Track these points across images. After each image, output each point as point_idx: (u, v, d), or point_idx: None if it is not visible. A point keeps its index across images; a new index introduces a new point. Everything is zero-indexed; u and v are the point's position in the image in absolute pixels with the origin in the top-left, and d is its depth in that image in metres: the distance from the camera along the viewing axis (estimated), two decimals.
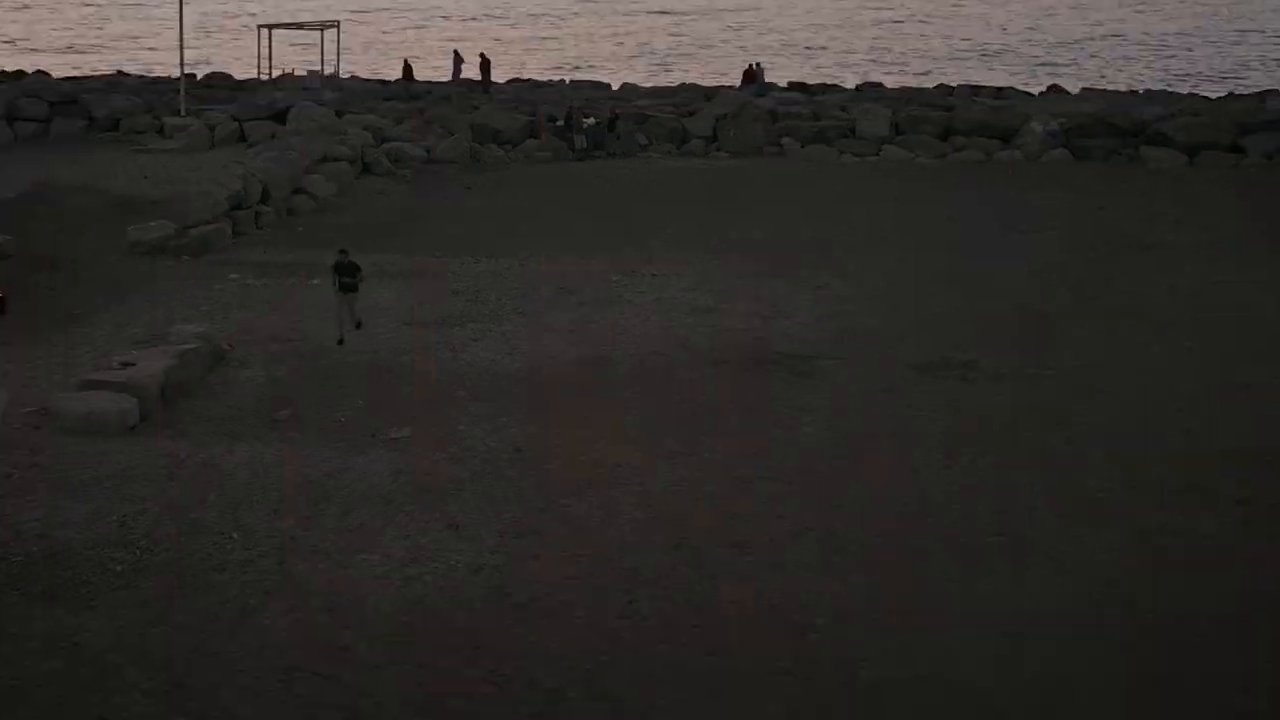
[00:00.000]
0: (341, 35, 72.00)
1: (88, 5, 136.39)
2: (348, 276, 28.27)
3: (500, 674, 15.19)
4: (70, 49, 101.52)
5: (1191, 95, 62.94)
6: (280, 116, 52.82)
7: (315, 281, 31.66)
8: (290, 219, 40.51)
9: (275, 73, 67.52)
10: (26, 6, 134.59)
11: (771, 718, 14.47)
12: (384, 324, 29.18)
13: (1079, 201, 44.61)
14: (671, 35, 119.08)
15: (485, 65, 65.42)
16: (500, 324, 29.52)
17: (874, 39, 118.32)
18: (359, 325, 28.43)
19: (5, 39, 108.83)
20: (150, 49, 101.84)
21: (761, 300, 31.44)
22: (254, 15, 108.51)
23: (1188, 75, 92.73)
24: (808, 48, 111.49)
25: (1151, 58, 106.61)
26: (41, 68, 72.73)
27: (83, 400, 22.40)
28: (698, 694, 14.85)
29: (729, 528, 19.25)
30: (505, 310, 30.56)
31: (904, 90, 63.51)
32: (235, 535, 18.56)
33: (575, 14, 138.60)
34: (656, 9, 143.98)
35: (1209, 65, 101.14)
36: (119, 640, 15.76)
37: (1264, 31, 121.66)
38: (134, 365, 23.87)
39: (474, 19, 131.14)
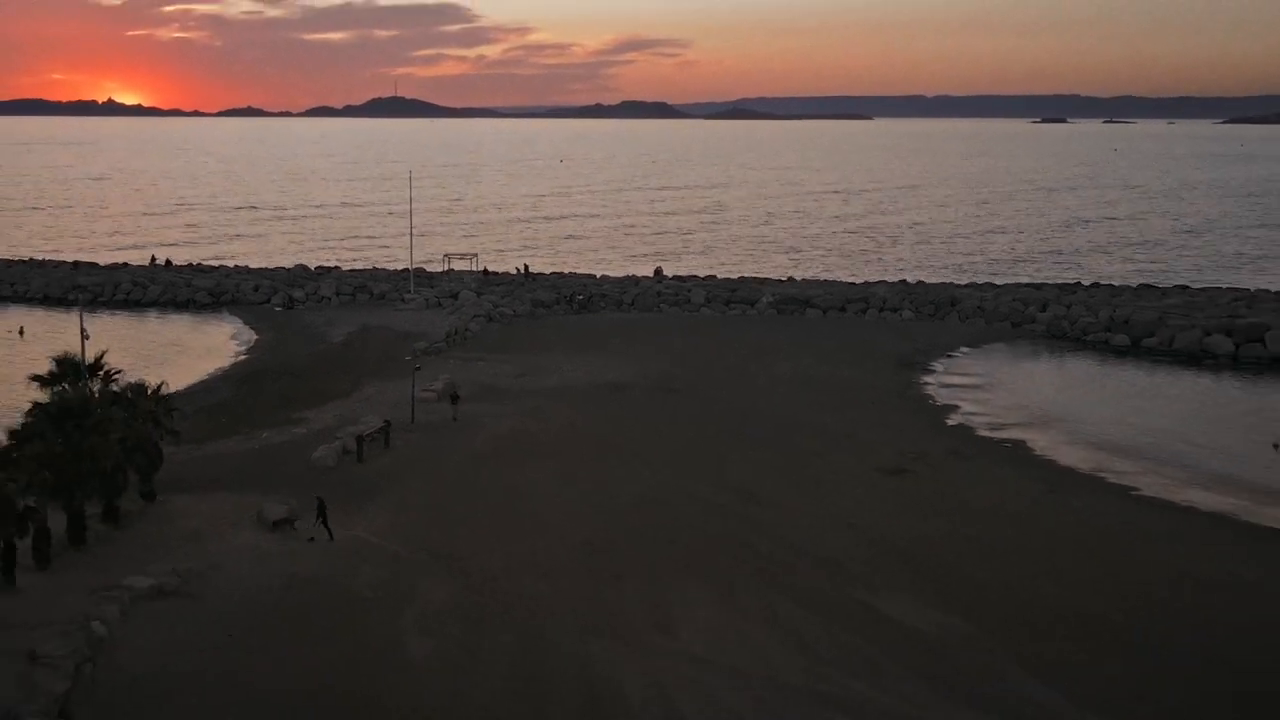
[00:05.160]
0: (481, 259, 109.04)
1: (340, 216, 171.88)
2: (455, 396, 57.00)
3: (535, 430, 52.70)
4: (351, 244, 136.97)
5: (836, 282, 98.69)
6: (455, 295, 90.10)
7: (481, 362, 69.15)
8: (466, 341, 76.61)
9: (447, 265, 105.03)
10: (297, 218, 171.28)
11: (553, 450, 52.02)
12: (501, 375, 66.51)
13: (765, 332, 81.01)
14: (640, 237, 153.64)
15: (527, 270, 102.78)
16: (532, 375, 66.31)
17: (773, 241, 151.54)
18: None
19: (303, 234, 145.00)
20: (376, 240, 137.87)
21: (619, 367, 68.54)
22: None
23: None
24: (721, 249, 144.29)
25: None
26: (338, 262, 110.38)
27: (424, 395, 59.73)
28: (561, 442, 52.34)
29: (576, 423, 56.37)
30: (533, 371, 67.33)
31: (721, 279, 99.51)
32: (475, 416, 56.11)
33: (595, 216, 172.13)
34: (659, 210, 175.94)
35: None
36: (450, 436, 53.28)
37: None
38: (435, 385, 61.48)
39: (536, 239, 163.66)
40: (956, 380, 67.84)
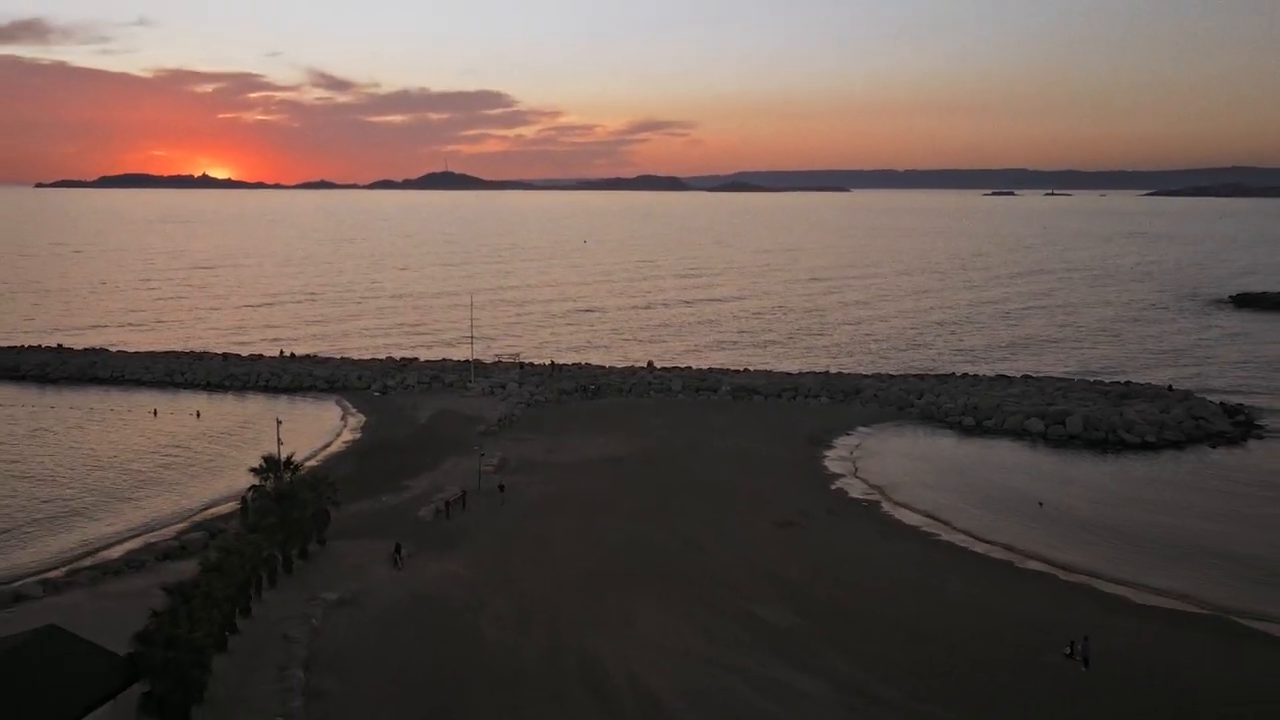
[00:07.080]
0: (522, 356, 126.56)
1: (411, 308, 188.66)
2: (501, 486, 75.79)
3: (558, 494, 70.00)
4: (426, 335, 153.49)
5: (776, 372, 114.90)
6: (504, 385, 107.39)
7: (523, 441, 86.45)
8: (514, 423, 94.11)
9: (498, 358, 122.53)
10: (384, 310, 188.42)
11: (569, 509, 69.32)
12: (536, 451, 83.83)
13: (721, 415, 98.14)
14: (643, 327, 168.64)
15: (554, 364, 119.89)
16: (557, 451, 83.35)
17: (760, 331, 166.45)
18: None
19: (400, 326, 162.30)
20: (442, 335, 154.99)
21: (617, 444, 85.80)
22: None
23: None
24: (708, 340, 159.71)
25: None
26: (417, 354, 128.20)
27: (485, 469, 77.01)
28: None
29: (586, 489, 73.72)
30: (558, 449, 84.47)
31: (695, 370, 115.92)
32: (518, 486, 73.53)
33: (608, 310, 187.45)
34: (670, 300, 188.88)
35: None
36: (503, 501, 70.69)
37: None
38: (494, 461, 78.77)
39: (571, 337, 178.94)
40: (847, 454, 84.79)
